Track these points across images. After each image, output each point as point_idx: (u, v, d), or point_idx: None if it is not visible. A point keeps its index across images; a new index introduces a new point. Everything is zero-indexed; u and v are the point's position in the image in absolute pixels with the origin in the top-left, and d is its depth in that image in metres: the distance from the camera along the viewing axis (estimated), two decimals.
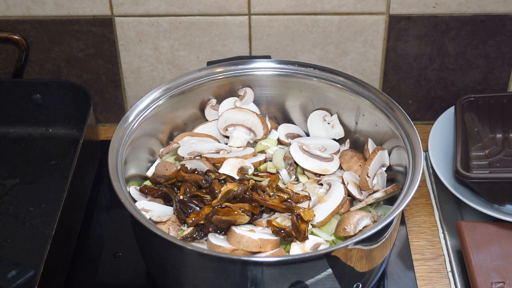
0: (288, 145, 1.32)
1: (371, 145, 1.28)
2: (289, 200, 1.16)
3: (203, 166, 1.23)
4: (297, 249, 1.10)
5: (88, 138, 1.37)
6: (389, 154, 1.24)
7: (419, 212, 1.38)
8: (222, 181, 1.18)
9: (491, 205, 1.33)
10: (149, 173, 1.28)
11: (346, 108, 1.31)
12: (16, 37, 1.47)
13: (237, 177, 1.21)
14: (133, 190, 1.20)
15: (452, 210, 1.37)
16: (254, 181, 1.19)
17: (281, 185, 1.23)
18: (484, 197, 1.32)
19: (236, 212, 1.11)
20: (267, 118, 1.36)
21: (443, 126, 1.48)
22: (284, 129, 1.36)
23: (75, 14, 1.45)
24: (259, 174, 1.26)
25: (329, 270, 1.04)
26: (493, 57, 1.49)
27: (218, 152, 1.28)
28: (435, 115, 1.53)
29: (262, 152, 1.30)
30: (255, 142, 1.33)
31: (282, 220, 1.14)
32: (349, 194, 1.21)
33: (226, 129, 1.32)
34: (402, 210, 1.06)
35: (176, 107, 1.31)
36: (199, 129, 1.34)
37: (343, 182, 1.22)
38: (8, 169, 1.45)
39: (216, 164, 1.25)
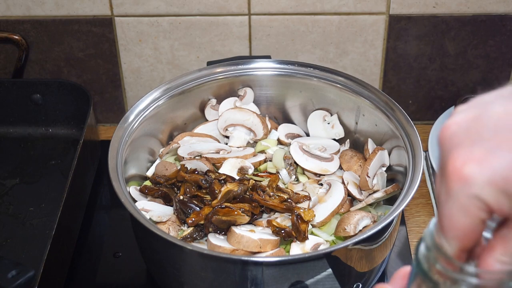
0: (288, 145, 1.31)
1: (371, 145, 1.27)
2: (289, 200, 1.16)
3: (203, 166, 1.22)
4: (297, 249, 1.10)
5: (88, 138, 1.37)
6: (389, 154, 1.24)
7: (419, 212, 1.38)
8: (222, 181, 1.18)
9: None
10: (149, 173, 1.28)
11: (346, 108, 1.31)
12: (16, 37, 1.47)
13: (237, 177, 1.21)
14: (133, 190, 1.20)
15: None
16: (254, 181, 1.18)
17: (281, 185, 1.23)
18: None
19: (236, 212, 1.11)
20: (267, 118, 1.36)
21: None
22: (284, 129, 1.36)
23: (75, 14, 1.45)
24: (259, 174, 1.25)
25: (329, 270, 1.04)
26: (493, 57, 1.49)
27: (218, 152, 1.28)
28: (435, 115, 1.53)
29: (262, 152, 1.30)
30: (255, 142, 1.33)
31: (282, 220, 1.14)
32: (349, 194, 1.21)
33: (226, 129, 1.32)
34: (402, 210, 1.06)
35: (176, 107, 1.31)
36: (199, 129, 1.34)
37: (343, 182, 1.22)
38: (8, 169, 1.44)
39: (216, 164, 1.25)
